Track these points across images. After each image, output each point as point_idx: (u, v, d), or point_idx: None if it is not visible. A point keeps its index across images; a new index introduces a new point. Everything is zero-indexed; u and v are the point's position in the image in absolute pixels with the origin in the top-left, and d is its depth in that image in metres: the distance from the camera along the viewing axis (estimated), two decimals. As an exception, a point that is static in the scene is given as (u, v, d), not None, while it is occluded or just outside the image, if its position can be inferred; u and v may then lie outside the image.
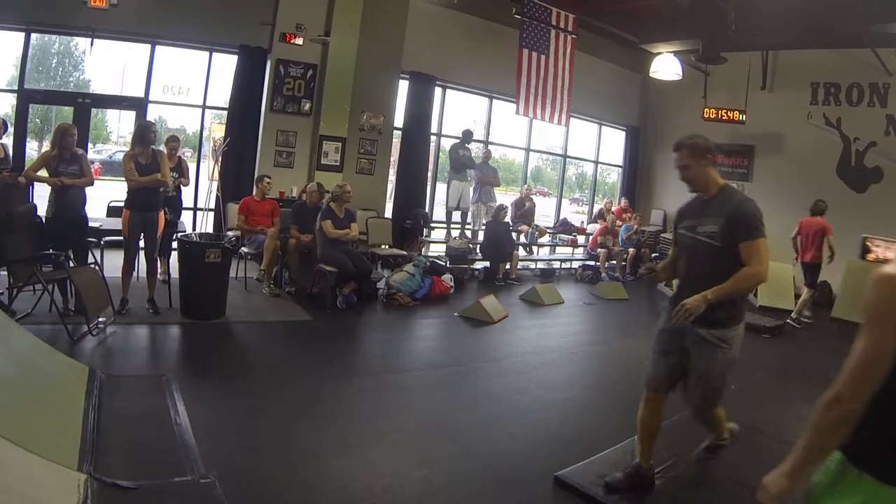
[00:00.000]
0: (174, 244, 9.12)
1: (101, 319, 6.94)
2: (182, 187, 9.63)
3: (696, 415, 4.39)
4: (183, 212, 10.15)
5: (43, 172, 7.53)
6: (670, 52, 15.13)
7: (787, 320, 11.80)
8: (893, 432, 1.89)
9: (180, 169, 9.32)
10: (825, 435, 1.98)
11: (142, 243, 7.90)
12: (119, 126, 19.30)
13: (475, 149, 14.81)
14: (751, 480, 4.79)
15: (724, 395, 4.31)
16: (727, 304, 4.02)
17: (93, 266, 7.75)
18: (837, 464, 2.01)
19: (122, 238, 7.81)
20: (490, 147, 15.54)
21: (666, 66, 15.15)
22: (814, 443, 2.02)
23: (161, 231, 8.13)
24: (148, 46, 11.47)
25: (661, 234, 17.29)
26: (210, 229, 11.41)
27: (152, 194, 7.78)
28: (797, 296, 13.25)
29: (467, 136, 14.25)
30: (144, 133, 7.76)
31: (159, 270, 8.43)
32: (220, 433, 4.87)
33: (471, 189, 14.09)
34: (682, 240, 4.34)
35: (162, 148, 8.72)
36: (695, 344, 4.16)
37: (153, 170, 7.64)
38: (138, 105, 11.61)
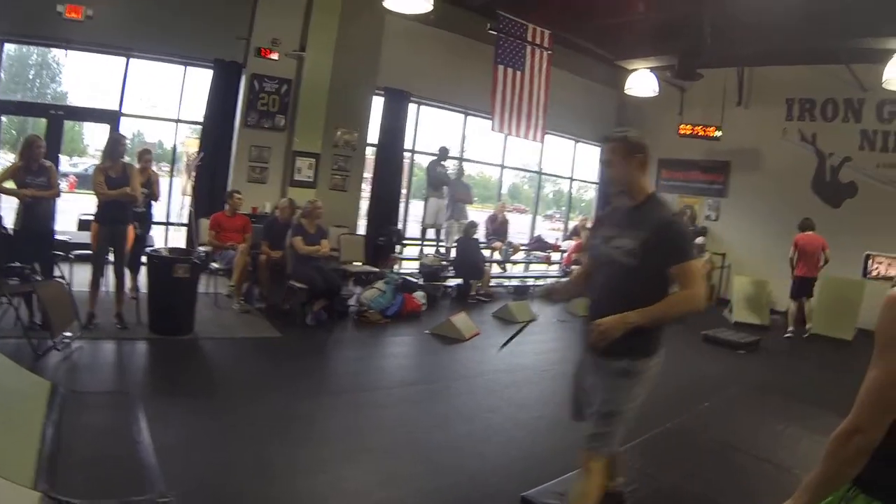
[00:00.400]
0: (143, 259, 9.00)
1: (66, 334, 6.82)
2: (153, 202, 9.50)
3: (584, 452, 3.66)
4: (153, 226, 10.05)
5: (10, 184, 7.46)
6: (646, 68, 15.24)
7: (789, 335, 12.35)
8: None
9: (149, 183, 9.18)
10: (844, 468, 1.91)
11: (112, 257, 7.82)
12: (95, 139, 19.24)
13: (450, 166, 14.80)
14: (726, 499, 4.82)
15: (618, 442, 3.67)
16: (646, 330, 3.49)
17: (59, 280, 7.65)
18: (845, 490, 1.97)
19: (91, 252, 7.74)
20: (464, 164, 15.52)
21: (642, 82, 15.26)
22: (830, 476, 1.95)
23: (130, 245, 8.06)
24: (123, 59, 11.36)
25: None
26: (182, 244, 11.28)
27: (122, 208, 7.72)
28: (773, 311, 13.46)
29: (444, 152, 14.26)
30: (114, 146, 7.72)
31: (128, 286, 8.32)
32: (186, 451, 4.81)
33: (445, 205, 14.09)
34: (595, 252, 3.83)
35: (133, 161, 8.64)
36: (599, 372, 3.66)
37: (123, 183, 7.59)
38: (112, 118, 11.46)
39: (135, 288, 8.86)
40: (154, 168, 9.60)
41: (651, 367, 3.60)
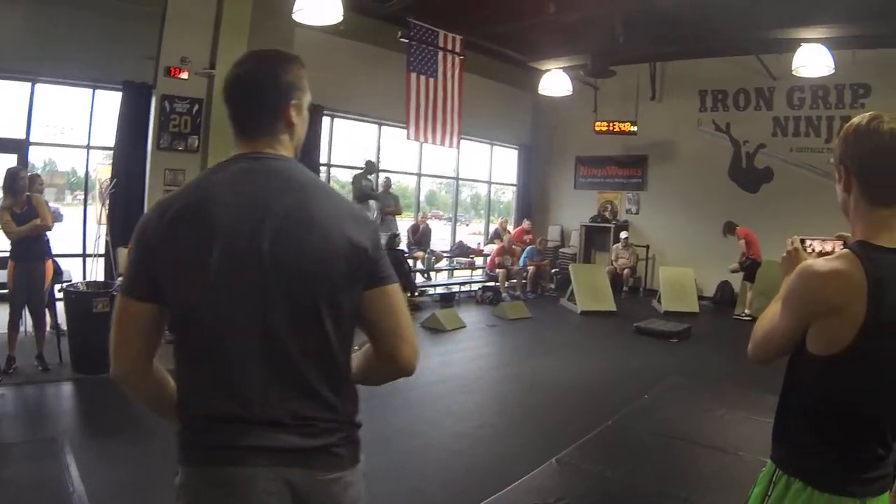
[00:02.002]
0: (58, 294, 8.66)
1: (-15, 381, 6.57)
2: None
3: None
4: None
5: None
6: (559, 68, 15.39)
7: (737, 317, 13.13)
8: (820, 438, 1.96)
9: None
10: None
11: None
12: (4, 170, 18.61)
13: (375, 179, 14.72)
14: (678, 489, 4.87)
15: None
16: None
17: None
18: (769, 473, 2.08)
19: (6, 291, 7.46)
20: (382, 175, 15.42)
21: (555, 82, 15.35)
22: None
23: (48, 282, 7.80)
24: (28, 84, 10.97)
25: (560, 249, 17.72)
26: (101, 276, 10.94)
27: (36, 243, 7.45)
28: (701, 298, 13.91)
29: (370, 166, 14.19)
30: (13, 181, 7.40)
31: (48, 324, 8.03)
32: (121, 497, 4.67)
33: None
34: None
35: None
36: None
37: (31, 217, 7.31)
38: (18, 147, 11.00)
39: (54, 325, 8.55)
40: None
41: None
